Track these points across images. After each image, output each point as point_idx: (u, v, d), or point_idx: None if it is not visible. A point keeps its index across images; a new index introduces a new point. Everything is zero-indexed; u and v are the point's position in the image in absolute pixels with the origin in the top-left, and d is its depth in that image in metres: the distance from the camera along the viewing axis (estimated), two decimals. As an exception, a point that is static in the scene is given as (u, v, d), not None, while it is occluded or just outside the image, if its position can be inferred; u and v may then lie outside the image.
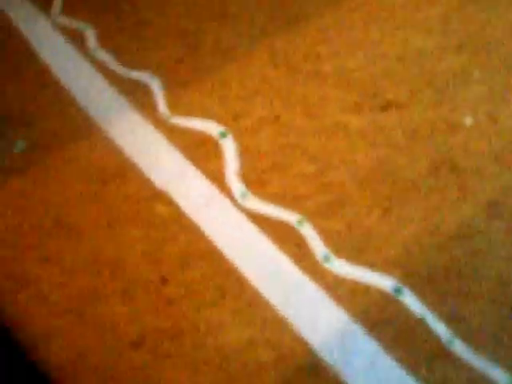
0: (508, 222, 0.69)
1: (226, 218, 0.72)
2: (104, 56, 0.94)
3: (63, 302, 0.65)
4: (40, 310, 0.65)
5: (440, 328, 0.60)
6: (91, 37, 0.98)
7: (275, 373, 0.58)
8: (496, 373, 0.56)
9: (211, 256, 0.68)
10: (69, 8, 1.03)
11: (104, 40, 0.97)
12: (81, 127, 0.85)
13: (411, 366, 0.57)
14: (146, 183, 0.77)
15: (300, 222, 0.69)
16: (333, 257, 0.66)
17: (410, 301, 0.62)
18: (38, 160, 0.81)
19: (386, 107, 0.82)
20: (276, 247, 0.68)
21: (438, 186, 0.72)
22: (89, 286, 0.67)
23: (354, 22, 0.95)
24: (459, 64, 0.87)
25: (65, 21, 1.01)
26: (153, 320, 0.63)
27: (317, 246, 0.68)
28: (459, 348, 0.58)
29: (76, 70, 0.93)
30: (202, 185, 0.76)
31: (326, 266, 0.65)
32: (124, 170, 0.78)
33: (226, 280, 0.65)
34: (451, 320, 0.60)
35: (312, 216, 0.70)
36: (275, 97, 0.85)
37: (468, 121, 0.79)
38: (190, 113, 0.85)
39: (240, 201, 0.73)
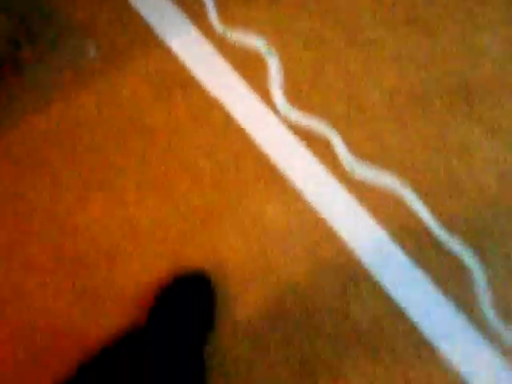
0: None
1: (269, 127, 0.88)
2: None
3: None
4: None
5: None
6: None
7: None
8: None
9: (259, 158, 0.86)
10: None
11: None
12: (144, 38, 0.97)
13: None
14: (202, 92, 0.92)
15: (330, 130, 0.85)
16: (358, 164, 0.83)
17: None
18: (109, 66, 0.96)
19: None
20: (312, 154, 0.86)
21: (451, 106, 0.85)
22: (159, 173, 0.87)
23: None
24: None
25: None
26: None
27: (344, 153, 0.85)
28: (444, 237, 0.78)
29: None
30: (249, 97, 0.91)
31: (355, 173, 0.83)
32: (184, 80, 0.93)
33: (272, 177, 0.84)
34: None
35: (342, 127, 0.86)
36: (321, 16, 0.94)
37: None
38: (239, 27, 0.96)
39: (282, 113, 0.88)
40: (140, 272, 0.82)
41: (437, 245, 0.77)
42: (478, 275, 0.75)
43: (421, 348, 0.73)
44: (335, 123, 0.87)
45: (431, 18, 0.91)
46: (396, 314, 0.74)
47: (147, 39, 0.97)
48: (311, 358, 0.74)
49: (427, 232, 0.78)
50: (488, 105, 0.84)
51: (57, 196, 0.87)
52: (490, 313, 0.73)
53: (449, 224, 0.78)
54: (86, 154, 0.90)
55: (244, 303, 0.79)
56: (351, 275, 0.78)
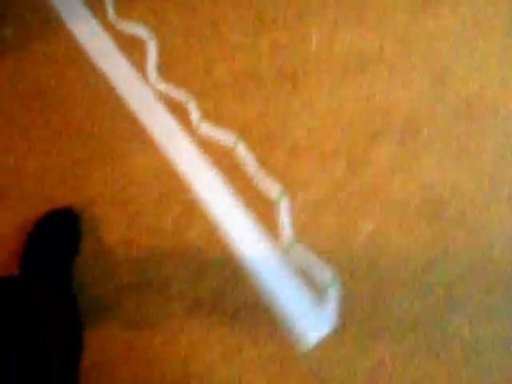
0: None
1: (141, 94, 1.12)
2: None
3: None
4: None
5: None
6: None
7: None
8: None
9: (131, 119, 1.09)
10: None
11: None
12: (50, 23, 1.20)
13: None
14: (91, 66, 1.15)
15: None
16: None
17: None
18: (20, 46, 1.19)
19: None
20: (172, 117, 1.09)
21: (280, 85, 1.11)
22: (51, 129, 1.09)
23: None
24: None
25: None
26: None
27: (196, 115, 1.08)
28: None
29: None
30: (128, 70, 1.14)
31: (202, 131, 1.07)
32: (79, 57, 1.16)
33: (138, 134, 1.07)
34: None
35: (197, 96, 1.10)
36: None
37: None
38: (129, 17, 1.20)
39: (152, 83, 1.12)
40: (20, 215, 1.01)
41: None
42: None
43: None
44: (192, 93, 1.11)
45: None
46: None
47: (53, 24, 1.21)
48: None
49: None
50: (308, 84, 1.10)
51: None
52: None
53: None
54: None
55: (108, 231, 1.00)
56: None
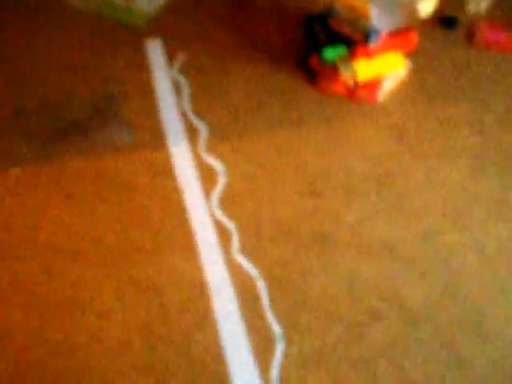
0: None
1: (200, 213, 1.39)
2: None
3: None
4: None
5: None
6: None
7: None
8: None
9: (186, 230, 1.35)
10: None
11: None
12: (157, 138, 1.57)
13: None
14: (174, 181, 1.46)
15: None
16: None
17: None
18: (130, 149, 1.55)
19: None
20: (217, 240, 1.33)
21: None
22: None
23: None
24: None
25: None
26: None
27: (236, 244, 1.31)
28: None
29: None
30: (198, 194, 1.43)
31: (235, 255, 1.29)
32: (168, 171, 1.48)
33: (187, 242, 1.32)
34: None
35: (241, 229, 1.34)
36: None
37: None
38: (213, 152, 1.53)
39: (212, 207, 1.39)
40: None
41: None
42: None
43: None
44: (239, 226, 1.36)
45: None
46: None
47: (160, 138, 1.57)
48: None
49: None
50: (334, 252, 1.30)
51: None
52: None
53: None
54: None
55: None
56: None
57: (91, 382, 1.09)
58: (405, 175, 1.45)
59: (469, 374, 1.09)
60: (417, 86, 1.68)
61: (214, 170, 1.49)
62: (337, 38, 1.55)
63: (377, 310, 1.18)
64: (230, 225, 1.36)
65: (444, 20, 1.86)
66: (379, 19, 1.39)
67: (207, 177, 1.47)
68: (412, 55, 1.71)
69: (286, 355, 1.12)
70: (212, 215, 1.39)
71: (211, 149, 1.55)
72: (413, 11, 1.40)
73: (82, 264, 1.30)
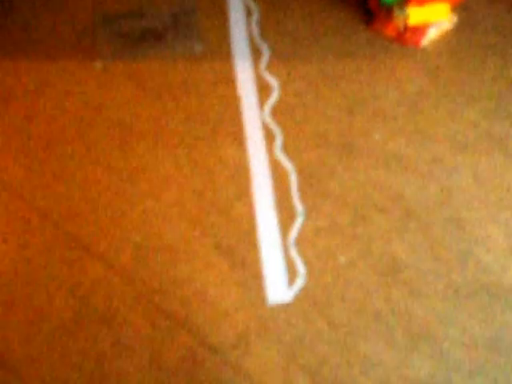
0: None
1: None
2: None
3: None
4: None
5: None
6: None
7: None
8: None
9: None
10: None
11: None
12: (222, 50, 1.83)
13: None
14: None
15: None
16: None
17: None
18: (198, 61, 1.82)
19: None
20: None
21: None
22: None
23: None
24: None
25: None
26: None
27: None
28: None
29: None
30: (253, 98, 1.70)
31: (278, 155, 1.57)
32: (230, 77, 1.75)
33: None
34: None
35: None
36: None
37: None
38: (269, 70, 1.78)
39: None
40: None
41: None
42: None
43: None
44: (284, 129, 1.63)
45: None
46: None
47: (227, 53, 1.83)
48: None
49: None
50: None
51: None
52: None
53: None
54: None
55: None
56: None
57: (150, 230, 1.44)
58: (431, 108, 1.66)
59: (441, 254, 1.36)
60: (459, 38, 1.84)
61: (269, 85, 1.75)
62: (396, -17, 1.73)
63: (382, 205, 1.45)
64: (277, 129, 1.63)
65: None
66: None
67: (263, 90, 1.74)
68: (462, 12, 1.86)
69: (304, 226, 1.41)
70: (263, 119, 1.66)
71: (270, 67, 1.80)
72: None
73: (148, 142, 1.63)
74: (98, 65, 1.86)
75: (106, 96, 1.75)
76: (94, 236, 1.44)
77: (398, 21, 1.78)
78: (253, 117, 1.66)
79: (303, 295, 1.32)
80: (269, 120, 1.65)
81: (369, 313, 1.29)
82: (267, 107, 1.68)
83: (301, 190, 1.49)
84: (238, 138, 1.61)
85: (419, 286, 1.34)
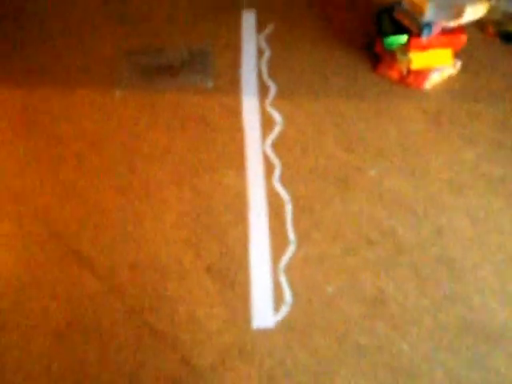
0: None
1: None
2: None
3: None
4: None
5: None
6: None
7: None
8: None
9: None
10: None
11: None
12: (233, 88, 1.94)
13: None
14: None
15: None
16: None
17: None
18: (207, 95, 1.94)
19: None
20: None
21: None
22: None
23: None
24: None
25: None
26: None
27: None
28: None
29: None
30: (256, 131, 1.78)
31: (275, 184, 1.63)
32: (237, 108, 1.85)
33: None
34: None
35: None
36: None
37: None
38: (274, 106, 1.87)
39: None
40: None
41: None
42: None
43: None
44: (283, 161, 1.69)
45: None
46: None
47: (236, 88, 1.94)
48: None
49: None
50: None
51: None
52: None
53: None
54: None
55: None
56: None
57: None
58: (429, 148, 1.71)
59: (429, 291, 1.37)
60: (461, 84, 1.90)
61: (273, 119, 1.84)
62: (400, 29, 1.82)
63: (373, 238, 1.48)
64: (276, 161, 1.70)
65: (503, 34, 2.04)
66: (433, 16, 1.64)
67: (267, 123, 1.83)
68: (465, 58, 1.93)
69: (295, 255, 1.45)
70: (264, 151, 1.74)
71: (275, 104, 1.89)
72: (464, 13, 1.63)
73: (155, 167, 1.72)
74: (117, 93, 1.99)
75: (121, 122, 1.88)
76: (94, 252, 1.52)
77: (401, 65, 1.86)
78: (255, 148, 1.74)
79: (287, 322, 1.34)
80: (269, 152, 1.72)
81: (351, 345, 1.30)
82: (269, 140, 1.76)
83: (295, 219, 1.54)
84: (239, 167, 1.69)
85: (404, 321, 1.34)
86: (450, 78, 1.92)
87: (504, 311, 1.36)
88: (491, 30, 2.05)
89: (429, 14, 1.63)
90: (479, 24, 2.06)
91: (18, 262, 1.51)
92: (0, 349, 1.34)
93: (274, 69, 2.01)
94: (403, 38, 1.81)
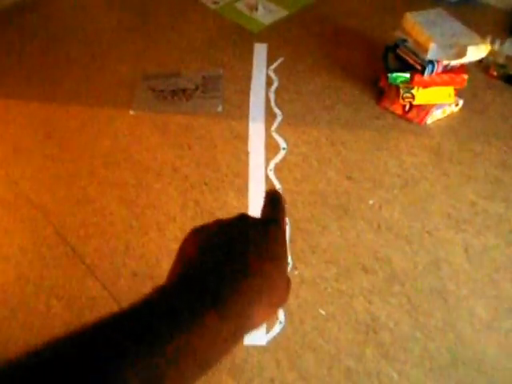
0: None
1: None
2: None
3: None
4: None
5: None
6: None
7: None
8: None
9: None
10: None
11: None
12: (242, 112, 2.02)
13: None
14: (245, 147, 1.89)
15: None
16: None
17: None
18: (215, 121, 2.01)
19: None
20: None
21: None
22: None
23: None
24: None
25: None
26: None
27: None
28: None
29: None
30: (260, 155, 1.84)
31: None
32: (241, 134, 1.92)
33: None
34: None
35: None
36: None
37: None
38: (279, 132, 1.94)
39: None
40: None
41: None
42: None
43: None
44: (284, 186, 1.74)
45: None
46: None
47: (244, 114, 2.01)
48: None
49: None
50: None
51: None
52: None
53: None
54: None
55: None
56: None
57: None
58: (428, 182, 1.74)
59: (420, 321, 1.38)
60: (463, 122, 1.96)
61: (278, 145, 1.90)
62: (404, 65, 1.90)
63: (368, 266, 1.50)
64: (277, 184, 1.75)
65: (506, 77, 2.11)
66: (436, 55, 1.72)
67: (271, 149, 1.89)
68: (468, 97, 2.00)
69: (290, 276, 1.47)
70: (266, 175, 1.79)
71: (281, 130, 1.96)
72: (466, 53, 1.70)
73: (162, 183, 1.78)
74: (132, 113, 2.08)
75: (133, 139, 1.95)
76: (98, 258, 1.56)
77: (404, 100, 1.93)
78: (258, 171, 1.80)
79: (279, 341, 1.35)
80: (272, 176, 1.78)
81: (340, 369, 1.31)
82: (272, 164, 1.82)
83: (292, 242, 1.58)
84: (241, 188, 1.74)
85: (394, 349, 1.35)
86: (452, 116, 1.98)
87: (495, 346, 1.36)
88: (495, 72, 2.13)
89: (432, 52, 1.71)
90: (483, 66, 2.14)
91: (28, 263, 1.57)
92: (2, 346, 1.37)
93: (281, 98, 2.09)
94: (407, 75, 1.89)
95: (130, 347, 0.34)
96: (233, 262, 0.42)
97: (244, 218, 0.48)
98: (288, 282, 0.46)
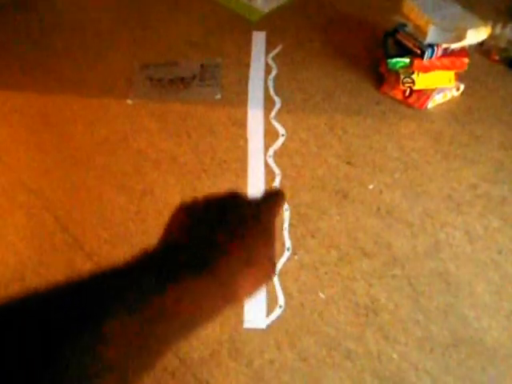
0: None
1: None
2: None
3: None
4: None
5: None
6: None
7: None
8: None
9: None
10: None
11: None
12: (241, 98, 2.00)
13: None
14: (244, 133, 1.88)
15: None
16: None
17: None
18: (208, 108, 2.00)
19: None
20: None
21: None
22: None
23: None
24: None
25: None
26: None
27: (277, 185, 1.69)
28: None
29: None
30: (259, 141, 1.83)
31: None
32: (240, 120, 1.91)
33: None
34: None
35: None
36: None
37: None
38: (278, 119, 1.93)
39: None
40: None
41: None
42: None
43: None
44: (283, 171, 1.73)
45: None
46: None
47: (243, 101, 2.00)
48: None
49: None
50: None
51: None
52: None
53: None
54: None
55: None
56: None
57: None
58: (429, 166, 1.73)
59: (421, 303, 1.38)
60: (464, 106, 1.94)
61: (277, 131, 1.89)
62: (404, 50, 1.88)
63: (368, 250, 1.49)
64: (277, 170, 1.74)
65: (509, 61, 2.09)
66: (436, 39, 1.70)
67: (270, 135, 1.88)
68: (469, 82, 1.98)
69: (290, 261, 1.47)
70: (265, 161, 1.78)
71: (279, 117, 1.95)
72: (465, 36, 1.69)
73: (159, 170, 1.77)
74: (130, 102, 2.07)
75: (131, 128, 1.94)
76: (96, 245, 1.56)
77: (404, 85, 1.91)
78: (257, 157, 1.79)
79: (279, 324, 1.35)
80: (271, 162, 1.77)
81: (340, 350, 1.30)
82: (271, 150, 1.81)
83: (292, 226, 1.57)
84: (240, 174, 1.73)
85: (395, 331, 1.34)
86: (453, 100, 1.96)
87: (497, 329, 1.35)
88: (496, 56, 2.10)
89: (431, 35, 1.69)
90: (484, 50, 2.12)
91: (27, 250, 1.56)
92: None
93: (280, 85, 2.08)
94: (406, 60, 1.87)
95: (113, 302, 0.36)
96: (218, 233, 0.44)
97: (235, 194, 0.50)
98: (273, 258, 0.47)
